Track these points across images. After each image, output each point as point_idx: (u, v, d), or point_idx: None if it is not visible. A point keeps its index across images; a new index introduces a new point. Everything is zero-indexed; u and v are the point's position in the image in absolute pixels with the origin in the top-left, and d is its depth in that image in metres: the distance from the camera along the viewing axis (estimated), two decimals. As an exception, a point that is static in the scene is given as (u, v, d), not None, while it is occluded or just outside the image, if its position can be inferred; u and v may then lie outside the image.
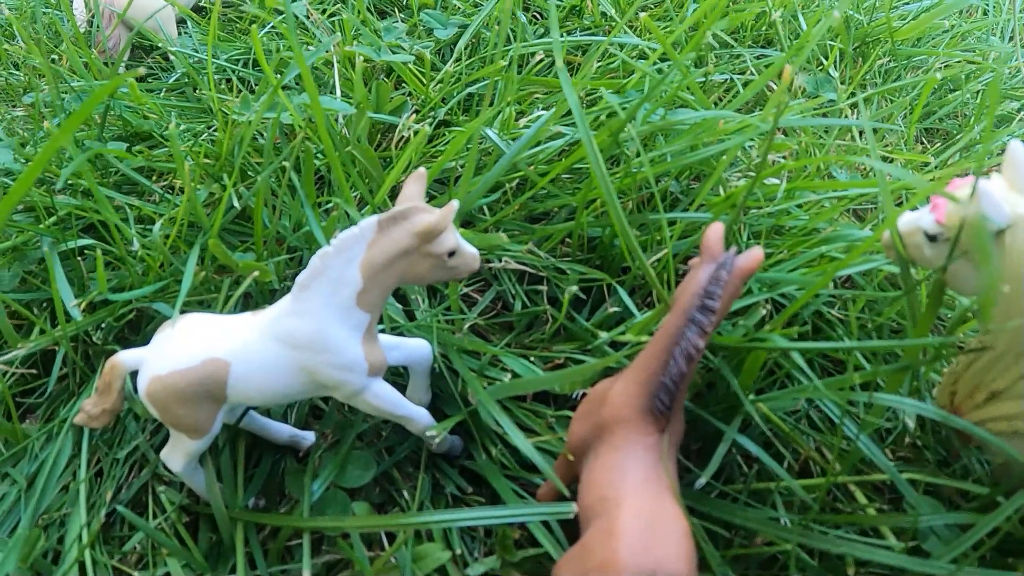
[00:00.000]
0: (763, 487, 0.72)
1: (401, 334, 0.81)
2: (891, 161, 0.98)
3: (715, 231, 0.64)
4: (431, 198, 0.92)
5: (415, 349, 0.74)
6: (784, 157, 0.98)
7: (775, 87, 0.95)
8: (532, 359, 0.81)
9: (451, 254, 0.65)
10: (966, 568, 0.60)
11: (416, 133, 0.93)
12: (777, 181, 0.86)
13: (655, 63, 0.92)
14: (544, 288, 0.85)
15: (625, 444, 0.62)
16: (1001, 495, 0.66)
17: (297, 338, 0.65)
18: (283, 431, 0.78)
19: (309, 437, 0.78)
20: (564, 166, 0.83)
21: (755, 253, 0.63)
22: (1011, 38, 1.34)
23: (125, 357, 0.67)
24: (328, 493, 0.74)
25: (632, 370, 0.64)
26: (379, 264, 0.64)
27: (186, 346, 0.66)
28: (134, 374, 0.69)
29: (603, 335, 0.77)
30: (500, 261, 0.85)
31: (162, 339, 0.67)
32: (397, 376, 0.81)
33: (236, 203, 0.86)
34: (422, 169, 0.66)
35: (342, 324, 0.65)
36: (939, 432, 0.75)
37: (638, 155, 0.80)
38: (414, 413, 0.72)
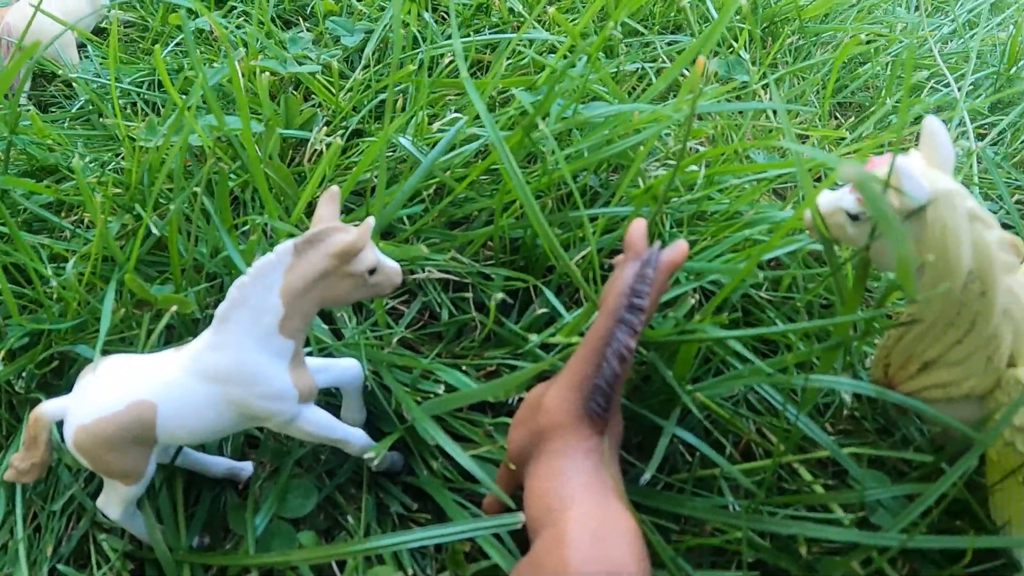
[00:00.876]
0: (708, 474, 0.71)
1: (329, 354, 0.79)
2: (806, 139, 0.99)
3: (637, 227, 0.64)
4: (349, 211, 0.90)
5: (344, 370, 0.72)
6: (701, 143, 0.97)
7: (687, 74, 0.94)
8: (464, 368, 0.80)
9: (372, 272, 0.64)
10: (916, 537, 0.60)
11: (328, 146, 0.91)
12: (696, 168, 0.85)
13: (565, 57, 0.91)
14: (470, 295, 0.84)
15: (565, 450, 0.61)
16: (944, 462, 0.67)
17: (221, 372, 0.63)
18: (220, 464, 0.75)
19: (247, 468, 0.76)
20: (480, 169, 0.82)
21: (680, 246, 0.63)
22: (916, 8, 1.35)
23: (48, 408, 0.65)
24: (272, 525, 0.72)
25: (565, 374, 0.63)
26: (299, 289, 0.62)
27: (109, 391, 0.63)
28: (61, 424, 0.66)
29: (533, 338, 0.76)
30: (424, 272, 0.84)
31: (84, 385, 0.65)
32: (329, 397, 0.79)
33: (154, 229, 0.83)
34: (335, 188, 0.65)
35: (266, 353, 0.63)
36: (876, 401, 0.76)
37: (553, 152, 0.79)
38: (350, 435, 0.70)
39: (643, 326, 0.61)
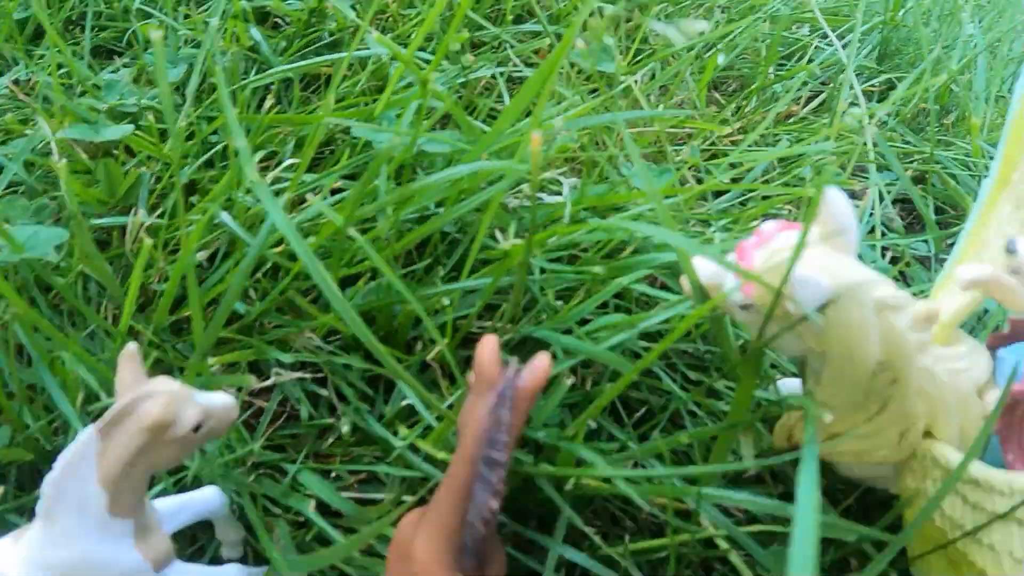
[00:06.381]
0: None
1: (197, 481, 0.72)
2: (688, 138, 0.92)
3: (487, 349, 0.58)
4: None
5: (204, 503, 0.67)
6: (566, 162, 0.89)
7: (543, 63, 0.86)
8: (334, 474, 0.75)
9: (197, 427, 0.58)
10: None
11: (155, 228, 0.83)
12: (562, 198, 0.79)
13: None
14: (328, 391, 0.78)
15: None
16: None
17: (64, 567, 0.57)
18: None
19: None
20: (316, 244, 0.75)
21: (539, 366, 0.58)
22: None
23: None
24: None
25: (432, 517, 0.58)
26: (117, 473, 0.56)
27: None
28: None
29: (398, 442, 0.71)
30: (271, 377, 0.77)
31: None
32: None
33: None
34: (132, 347, 0.57)
35: (104, 540, 0.57)
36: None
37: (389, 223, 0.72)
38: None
39: (503, 480, 0.56)
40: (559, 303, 0.76)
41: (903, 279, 0.91)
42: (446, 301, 0.74)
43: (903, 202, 0.98)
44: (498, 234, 0.75)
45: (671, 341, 0.60)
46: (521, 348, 0.75)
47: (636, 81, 0.95)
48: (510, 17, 1.02)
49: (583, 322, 0.76)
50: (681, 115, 0.89)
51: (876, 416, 0.59)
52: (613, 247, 0.79)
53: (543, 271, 0.78)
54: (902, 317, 0.55)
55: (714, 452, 0.65)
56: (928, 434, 0.60)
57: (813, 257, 0.54)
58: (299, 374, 0.78)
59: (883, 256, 0.89)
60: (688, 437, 0.63)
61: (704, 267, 0.59)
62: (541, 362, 0.58)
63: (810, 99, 1.07)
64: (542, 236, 0.70)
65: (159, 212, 0.90)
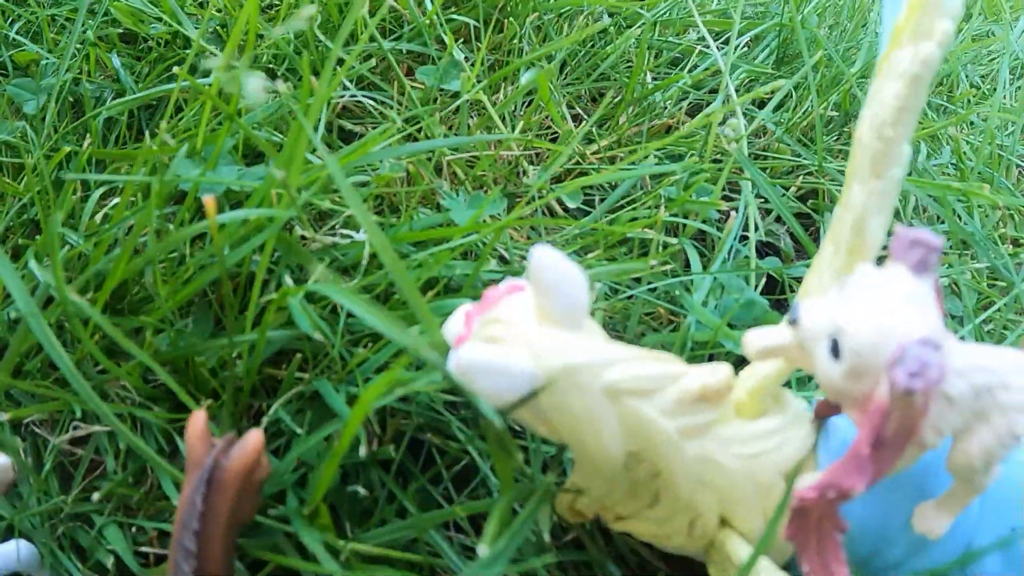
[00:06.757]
0: None
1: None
2: (544, 158, 0.83)
3: (193, 426, 0.52)
4: None
5: (6, 557, 0.62)
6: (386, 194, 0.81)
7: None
8: (136, 528, 0.69)
9: None
10: None
11: None
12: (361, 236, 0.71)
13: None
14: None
15: None
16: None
17: None
18: None
19: None
20: (105, 295, 0.69)
21: (249, 443, 0.51)
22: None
23: None
24: None
25: None
26: None
27: None
28: None
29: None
30: (69, 431, 0.71)
31: None
32: None
33: None
34: None
35: None
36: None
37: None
38: None
39: (198, 571, 0.49)
40: (361, 349, 0.69)
41: (784, 307, 0.83)
42: (234, 353, 0.67)
43: (798, 216, 0.87)
44: (286, 279, 0.68)
45: (371, 401, 0.53)
46: (314, 402, 0.68)
47: (494, 101, 0.87)
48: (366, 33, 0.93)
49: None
50: (506, 137, 0.80)
51: (654, 505, 0.52)
52: (423, 284, 0.71)
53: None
54: (654, 401, 0.46)
55: (489, 527, 0.57)
56: (727, 524, 0.52)
57: (523, 333, 0.46)
58: (97, 428, 0.72)
59: (756, 285, 0.79)
60: (462, 511, 0.57)
61: (451, 330, 0.51)
62: (251, 441, 0.51)
63: (697, 109, 0.97)
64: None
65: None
